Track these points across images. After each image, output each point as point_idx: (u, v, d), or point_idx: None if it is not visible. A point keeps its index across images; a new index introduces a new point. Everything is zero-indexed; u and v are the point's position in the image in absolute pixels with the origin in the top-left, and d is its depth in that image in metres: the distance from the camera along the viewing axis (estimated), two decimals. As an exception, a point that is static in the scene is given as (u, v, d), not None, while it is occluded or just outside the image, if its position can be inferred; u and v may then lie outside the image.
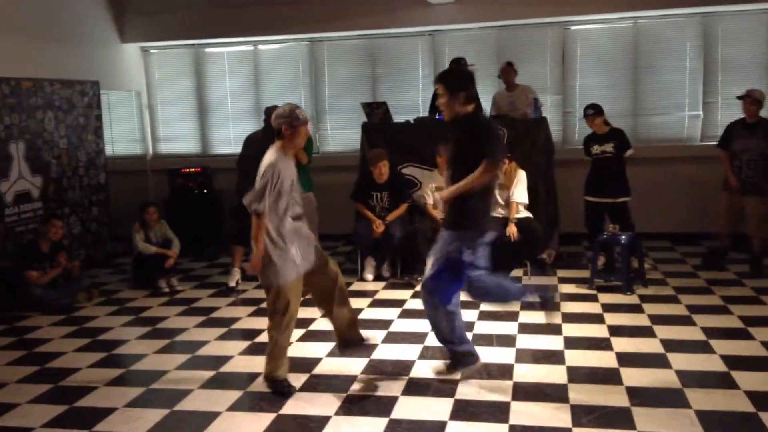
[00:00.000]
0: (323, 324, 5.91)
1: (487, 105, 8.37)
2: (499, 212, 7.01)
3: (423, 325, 5.73)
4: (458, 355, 4.62)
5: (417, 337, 5.47)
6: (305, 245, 4.46)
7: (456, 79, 4.40)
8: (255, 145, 6.99)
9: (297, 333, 5.68)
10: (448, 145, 7.14)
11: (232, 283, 7.25)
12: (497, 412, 4.10)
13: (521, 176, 7.02)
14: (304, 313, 6.20)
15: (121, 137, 9.69)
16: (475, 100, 4.41)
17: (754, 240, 7.14)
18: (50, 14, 8.17)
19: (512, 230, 6.87)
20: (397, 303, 6.44)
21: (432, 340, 5.36)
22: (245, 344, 5.52)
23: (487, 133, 4.32)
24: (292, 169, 4.43)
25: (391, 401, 4.32)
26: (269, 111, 7.09)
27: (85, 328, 6.14)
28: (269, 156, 4.35)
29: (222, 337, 5.73)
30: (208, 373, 4.88)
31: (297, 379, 4.70)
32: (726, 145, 7.30)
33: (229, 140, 10.02)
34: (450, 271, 4.37)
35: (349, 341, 4.78)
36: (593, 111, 7.16)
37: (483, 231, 4.40)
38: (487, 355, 5.03)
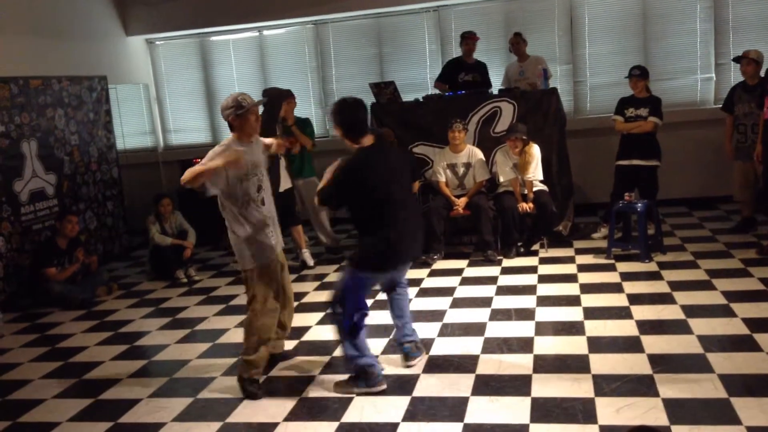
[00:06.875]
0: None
1: (498, 78, 8.32)
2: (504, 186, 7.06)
3: (441, 303, 5.75)
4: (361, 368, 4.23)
5: (435, 315, 5.46)
6: (277, 230, 4.52)
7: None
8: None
9: (315, 317, 5.70)
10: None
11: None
12: (519, 385, 4.10)
13: (536, 153, 6.95)
14: (320, 296, 6.25)
15: (131, 131, 9.70)
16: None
17: None
18: (54, 11, 8.16)
19: (528, 206, 6.86)
20: (413, 282, 6.41)
21: (451, 318, 5.37)
22: (265, 330, 5.52)
23: None
24: (253, 154, 4.34)
25: (413, 379, 4.32)
26: (266, 93, 7.08)
27: (106, 322, 6.20)
28: (219, 146, 4.31)
29: (241, 324, 5.74)
30: (230, 360, 4.91)
31: (315, 363, 4.72)
32: (729, 108, 7.13)
33: (239, 128, 10.00)
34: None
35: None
36: (639, 72, 6.93)
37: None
38: (506, 329, 5.03)
